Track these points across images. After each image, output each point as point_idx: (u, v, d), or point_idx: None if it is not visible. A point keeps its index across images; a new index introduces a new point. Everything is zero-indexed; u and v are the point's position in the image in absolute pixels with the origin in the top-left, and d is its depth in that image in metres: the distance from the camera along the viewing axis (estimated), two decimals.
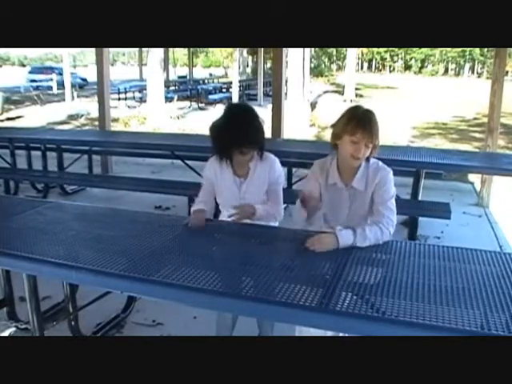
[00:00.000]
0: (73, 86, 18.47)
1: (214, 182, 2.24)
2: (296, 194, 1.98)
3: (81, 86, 23.26)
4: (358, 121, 1.85)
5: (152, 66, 12.49)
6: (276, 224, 2.26)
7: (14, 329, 2.54)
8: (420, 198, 4.03)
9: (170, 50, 23.85)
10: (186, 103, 16.47)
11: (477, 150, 7.70)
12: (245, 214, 2.11)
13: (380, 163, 1.96)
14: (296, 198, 2.01)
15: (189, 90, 17.70)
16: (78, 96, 18.62)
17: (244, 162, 2.16)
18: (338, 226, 1.87)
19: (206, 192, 2.25)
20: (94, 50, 6.58)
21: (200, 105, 16.17)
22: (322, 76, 34.62)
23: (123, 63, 62.53)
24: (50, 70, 24.40)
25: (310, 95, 15.99)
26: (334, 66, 51.45)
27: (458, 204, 4.91)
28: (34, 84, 22.81)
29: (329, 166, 2.00)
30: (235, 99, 15.49)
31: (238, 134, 2.04)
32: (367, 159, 1.95)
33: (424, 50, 47.09)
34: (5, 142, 5.41)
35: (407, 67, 56.11)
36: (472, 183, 5.88)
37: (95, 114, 9.37)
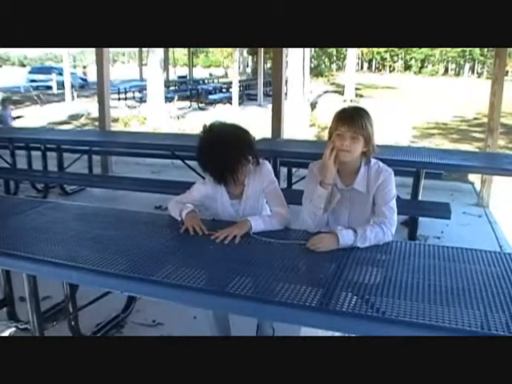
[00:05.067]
0: (73, 86, 18.47)
1: (204, 203, 2.22)
2: (297, 194, 1.97)
3: (81, 86, 23.25)
4: (342, 116, 1.88)
5: (152, 65, 12.50)
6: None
7: (13, 329, 2.54)
8: (420, 198, 4.02)
9: (170, 49, 23.86)
10: (186, 103, 16.47)
11: (477, 150, 7.70)
12: (232, 234, 1.95)
13: (381, 164, 1.95)
14: (298, 198, 2.01)
15: (189, 90, 17.71)
16: (78, 96, 18.63)
17: (242, 178, 2.10)
18: (339, 226, 1.87)
19: (190, 202, 2.21)
20: (94, 49, 6.58)
21: (200, 105, 16.17)
22: (321, 76, 34.60)
23: (123, 63, 62.54)
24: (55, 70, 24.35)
25: (309, 95, 15.99)
26: (334, 66, 51.42)
27: (458, 204, 4.91)
28: (34, 84, 22.80)
29: None
30: (235, 99, 15.48)
31: (225, 163, 1.99)
32: (368, 160, 1.94)
33: (424, 49, 47.06)
34: (5, 142, 5.41)
35: (407, 67, 56.06)
36: (472, 183, 5.88)
37: (95, 113, 9.37)
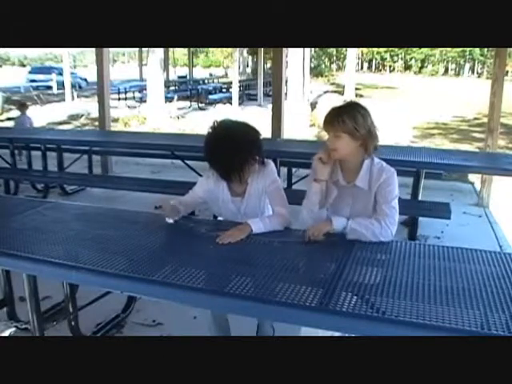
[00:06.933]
0: (73, 86, 18.46)
1: (206, 201, 2.23)
2: (298, 194, 1.98)
3: (81, 86, 23.26)
4: (325, 117, 1.93)
5: (152, 66, 12.50)
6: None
7: (13, 329, 2.54)
8: (420, 198, 4.02)
9: (170, 49, 23.85)
10: (186, 103, 16.47)
11: (477, 150, 7.70)
12: (234, 238, 1.95)
13: (384, 164, 1.97)
14: (298, 198, 2.02)
15: (189, 90, 17.72)
16: (77, 96, 18.62)
17: (247, 176, 2.11)
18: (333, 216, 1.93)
19: (191, 201, 2.22)
20: (94, 49, 6.58)
21: (200, 105, 16.17)
22: (321, 76, 34.61)
23: (123, 63, 62.52)
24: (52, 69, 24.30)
25: (310, 95, 15.98)
26: (334, 66, 51.42)
27: (458, 204, 4.91)
28: (34, 84, 22.79)
29: (332, 164, 2.00)
30: (235, 99, 15.48)
31: (232, 164, 2.01)
32: (369, 157, 1.94)
33: (424, 49, 47.02)
34: (5, 142, 5.41)
35: (407, 67, 56.00)
36: (472, 183, 5.88)
37: (95, 113, 9.37)
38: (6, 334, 2.52)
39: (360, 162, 1.94)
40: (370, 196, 1.94)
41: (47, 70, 24.59)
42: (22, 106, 6.95)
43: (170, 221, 2.12)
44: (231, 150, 1.98)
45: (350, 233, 1.90)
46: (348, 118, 1.86)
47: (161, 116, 12.43)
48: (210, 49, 36.18)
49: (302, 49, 13.28)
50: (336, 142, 1.89)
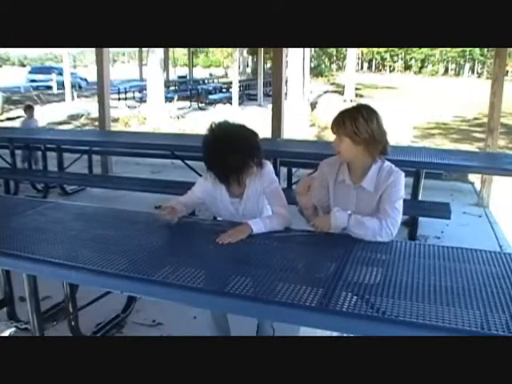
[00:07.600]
0: (73, 86, 18.46)
1: (205, 201, 2.23)
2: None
3: (81, 86, 23.27)
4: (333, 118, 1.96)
5: (152, 65, 12.50)
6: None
7: (13, 329, 2.54)
8: (420, 198, 4.02)
9: (170, 49, 23.85)
10: (186, 103, 16.47)
11: (477, 150, 7.70)
12: (234, 238, 1.95)
13: (393, 166, 1.97)
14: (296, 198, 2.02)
15: (189, 90, 17.72)
16: (78, 96, 18.63)
17: (245, 179, 2.11)
18: (335, 208, 1.94)
19: (189, 201, 2.23)
20: (94, 49, 6.57)
21: (200, 105, 16.17)
22: (322, 76, 34.61)
23: (123, 63, 62.47)
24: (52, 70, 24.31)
25: (310, 95, 15.99)
26: (334, 66, 51.44)
27: (458, 204, 4.91)
28: (34, 84, 22.79)
29: (339, 164, 2.01)
30: (235, 99, 15.48)
31: (229, 166, 2.00)
32: (376, 160, 1.94)
33: (424, 49, 47.00)
34: (5, 142, 5.41)
35: (407, 67, 55.98)
36: (472, 183, 5.88)
37: (95, 113, 9.37)
38: (6, 333, 2.52)
39: (368, 164, 1.94)
40: (375, 198, 1.94)
41: (47, 70, 24.56)
42: (28, 109, 6.67)
43: (174, 220, 2.12)
44: (229, 153, 1.97)
45: (350, 233, 1.92)
46: (349, 121, 1.86)
47: (161, 116, 12.44)
48: (210, 49, 36.17)
49: (302, 49, 13.28)
50: (339, 144, 1.91)
